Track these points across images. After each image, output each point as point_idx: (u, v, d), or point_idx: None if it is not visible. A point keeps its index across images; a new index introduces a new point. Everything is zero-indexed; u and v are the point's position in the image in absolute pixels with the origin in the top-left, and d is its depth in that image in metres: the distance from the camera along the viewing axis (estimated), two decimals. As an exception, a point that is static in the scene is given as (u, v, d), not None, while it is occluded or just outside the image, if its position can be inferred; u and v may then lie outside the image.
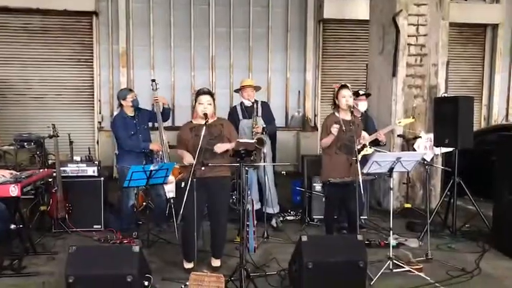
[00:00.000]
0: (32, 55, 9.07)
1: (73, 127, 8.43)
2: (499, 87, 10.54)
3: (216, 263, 4.12)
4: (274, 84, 9.90)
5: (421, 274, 3.92)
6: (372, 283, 3.73)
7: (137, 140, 5.02)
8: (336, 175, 4.26)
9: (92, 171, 5.30)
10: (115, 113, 5.61)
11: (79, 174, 5.27)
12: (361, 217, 5.24)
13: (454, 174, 5.16)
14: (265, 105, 5.76)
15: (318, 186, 5.49)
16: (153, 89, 5.34)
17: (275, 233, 5.22)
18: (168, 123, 6.96)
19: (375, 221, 5.65)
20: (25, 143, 6.15)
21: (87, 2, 8.95)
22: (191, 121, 4.10)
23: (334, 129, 4.19)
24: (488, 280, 3.96)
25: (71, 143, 6.18)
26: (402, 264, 4.03)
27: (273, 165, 5.75)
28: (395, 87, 6.34)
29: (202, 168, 3.72)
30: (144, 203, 5.44)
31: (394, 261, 4.01)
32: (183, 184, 3.73)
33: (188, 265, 4.00)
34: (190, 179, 3.64)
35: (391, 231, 4.17)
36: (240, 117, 5.51)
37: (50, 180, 4.88)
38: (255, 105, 5.45)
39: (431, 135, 5.74)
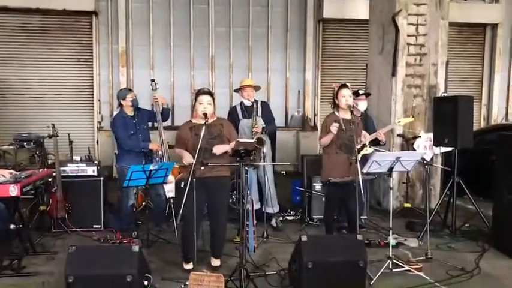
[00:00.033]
0: (32, 55, 9.06)
1: (73, 127, 8.42)
2: (498, 86, 10.54)
3: (215, 262, 4.12)
4: (273, 84, 9.89)
5: (421, 274, 3.92)
6: (371, 283, 3.73)
7: (137, 140, 5.02)
8: (336, 175, 4.26)
9: (91, 171, 5.30)
10: (115, 113, 5.61)
11: (79, 174, 5.26)
12: (361, 217, 5.24)
13: (453, 174, 5.16)
14: (265, 105, 5.75)
15: (317, 186, 5.49)
16: (152, 89, 5.33)
17: (275, 232, 5.22)
18: (168, 123, 6.96)
19: (375, 221, 5.65)
20: (25, 143, 6.16)
21: (86, 1, 8.93)
22: (191, 120, 4.10)
23: (334, 127, 4.19)
24: (487, 280, 3.96)
25: (70, 142, 6.19)
26: (402, 264, 4.03)
27: (273, 165, 5.75)
28: (394, 86, 6.34)
29: (202, 168, 3.72)
30: (143, 203, 5.44)
31: (394, 260, 4.01)
32: (182, 184, 3.73)
33: (188, 266, 4.01)
34: (190, 178, 3.64)
35: (390, 231, 4.17)
36: (240, 117, 5.51)
37: (49, 180, 4.88)
38: (254, 105, 5.45)
39: (430, 135, 5.74)
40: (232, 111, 5.70)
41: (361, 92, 5.37)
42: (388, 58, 6.43)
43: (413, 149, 5.91)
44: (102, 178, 5.32)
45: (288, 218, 5.74)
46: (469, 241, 4.91)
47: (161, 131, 5.31)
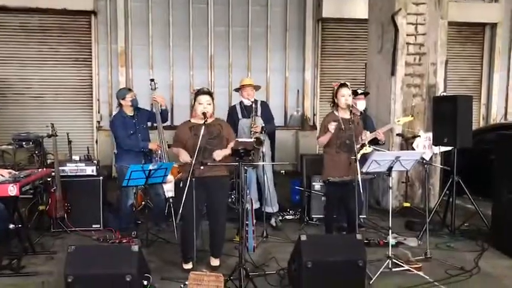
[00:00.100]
0: (31, 54, 9.04)
1: (72, 126, 8.40)
2: (497, 86, 10.55)
3: (215, 262, 4.12)
4: (273, 84, 9.89)
5: (420, 273, 3.93)
6: (371, 282, 3.73)
7: (136, 140, 5.02)
8: (336, 174, 4.26)
9: (90, 170, 5.29)
10: (114, 113, 5.60)
11: (78, 174, 5.26)
12: (360, 216, 5.24)
13: (453, 173, 5.16)
14: (265, 105, 5.75)
15: (317, 186, 5.49)
16: (151, 89, 5.33)
17: (274, 232, 5.22)
18: (167, 122, 6.91)
19: (374, 220, 5.66)
20: (24, 143, 6.15)
21: (85, 1, 8.91)
22: (190, 120, 4.10)
23: (332, 126, 4.19)
24: (487, 279, 3.96)
25: (69, 142, 6.18)
26: (401, 263, 4.03)
27: (272, 165, 5.75)
28: (394, 86, 6.34)
29: (201, 167, 3.72)
30: (143, 203, 5.45)
31: (393, 260, 4.01)
32: (182, 183, 3.73)
33: (187, 265, 4.00)
34: (189, 178, 3.64)
35: (390, 230, 4.16)
36: (240, 116, 5.51)
37: (48, 179, 4.88)
38: (254, 105, 5.45)
39: (430, 134, 5.74)
40: (232, 110, 5.69)
41: (359, 91, 5.37)
42: (387, 57, 6.42)
43: (413, 149, 5.91)
44: (101, 178, 5.31)
45: (287, 217, 5.74)
46: (468, 240, 4.92)
47: (161, 131, 5.31)
